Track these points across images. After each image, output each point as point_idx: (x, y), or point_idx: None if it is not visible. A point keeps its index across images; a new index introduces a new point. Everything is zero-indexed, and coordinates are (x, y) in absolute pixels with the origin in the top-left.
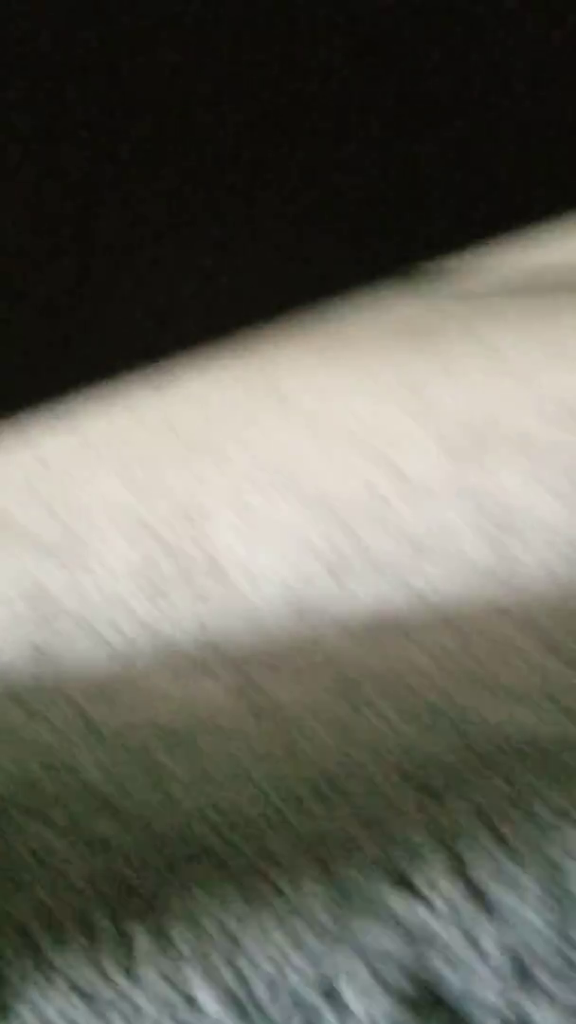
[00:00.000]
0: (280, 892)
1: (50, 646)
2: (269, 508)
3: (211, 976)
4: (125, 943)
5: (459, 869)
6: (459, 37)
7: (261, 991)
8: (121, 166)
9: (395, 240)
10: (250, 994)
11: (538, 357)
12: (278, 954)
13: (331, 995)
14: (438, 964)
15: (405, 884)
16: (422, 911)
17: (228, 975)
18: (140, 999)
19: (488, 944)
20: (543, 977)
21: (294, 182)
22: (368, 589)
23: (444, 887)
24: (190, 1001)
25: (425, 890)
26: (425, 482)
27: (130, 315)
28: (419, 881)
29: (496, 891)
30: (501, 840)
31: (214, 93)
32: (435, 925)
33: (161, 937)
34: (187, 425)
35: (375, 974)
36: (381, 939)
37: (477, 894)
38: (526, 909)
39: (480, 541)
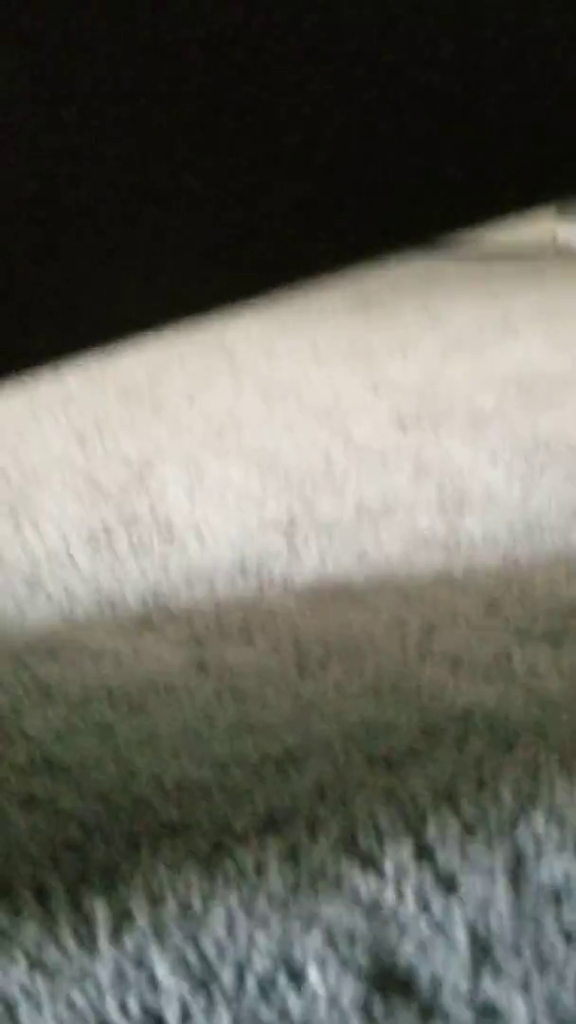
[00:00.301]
0: (242, 871)
1: None
2: (220, 471)
3: (173, 955)
4: (84, 918)
5: (423, 850)
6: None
7: (224, 970)
8: (87, 133)
9: (367, 222)
10: (212, 972)
11: (490, 333)
12: (242, 933)
13: (295, 975)
14: (403, 945)
15: (369, 864)
16: (386, 892)
17: (191, 954)
18: (102, 976)
19: (453, 928)
20: (507, 961)
21: (262, 164)
22: (318, 553)
23: (407, 867)
24: (152, 980)
25: (389, 871)
26: (377, 450)
27: (98, 288)
28: (383, 861)
29: (460, 873)
30: (463, 819)
31: (189, 59)
32: (399, 906)
33: (122, 913)
34: (139, 388)
35: (336, 950)
36: (343, 915)
37: (440, 876)
38: (491, 892)
39: (430, 510)
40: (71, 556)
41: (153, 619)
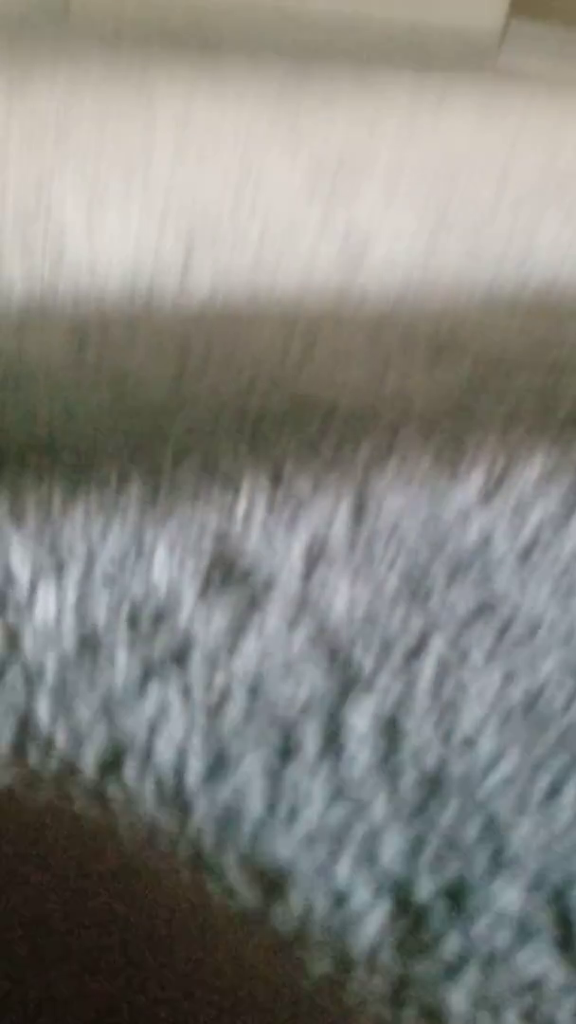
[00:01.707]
0: (105, 481)
1: None
2: (123, 204)
3: (27, 535)
4: None
5: (279, 477)
6: None
7: (78, 552)
8: None
9: None
10: (68, 552)
11: (421, 104)
12: (98, 525)
13: (143, 555)
14: (247, 539)
15: (228, 482)
16: (239, 501)
17: (47, 537)
18: None
19: (294, 529)
20: (339, 558)
21: None
22: (210, 284)
23: (262, 487)
24: (4, 555)
25: (245, 489)
26: (286, 196)
27: None
28: (240, 482)
29: (303, 487)
30: (321, 459)
31: None
32: (250, 511)
33: None
34: (52, 116)
35: (187, 540)
36: (199, 515)
37: (292, 494)
38: (333, 508)
39: (331, 253)
40: None
41: (42, 316)
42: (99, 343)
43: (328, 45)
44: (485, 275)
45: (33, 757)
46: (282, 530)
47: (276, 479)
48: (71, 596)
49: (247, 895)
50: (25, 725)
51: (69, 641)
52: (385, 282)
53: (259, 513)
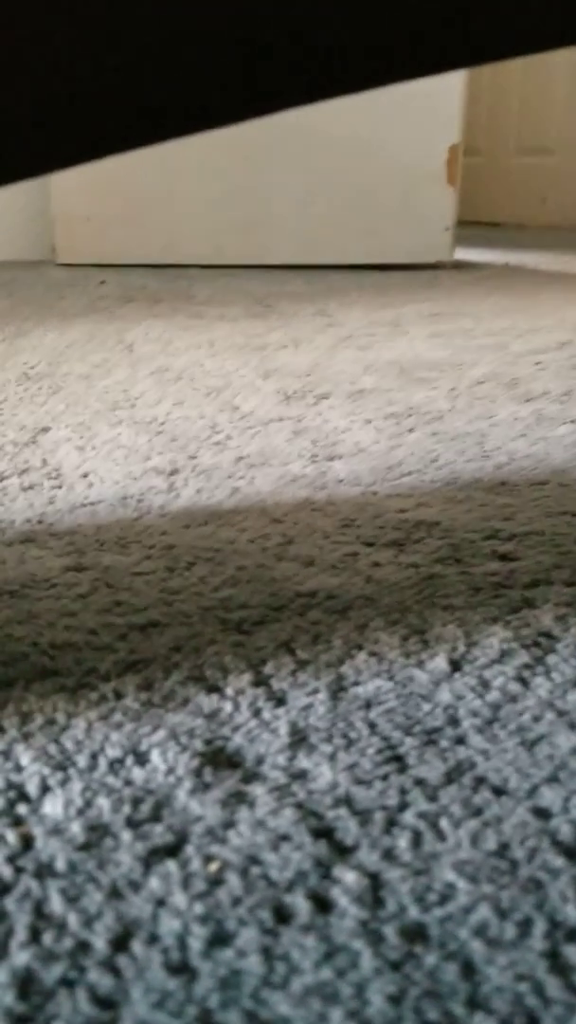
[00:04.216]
0: (104, 697)
1: None
2: (110, 432)
3: (36, 750)
4: None
5: (261, 679)
6: None
7: (80, 756)
8: None
9: None
10: (69, 759)
11: (380, 331)
12: (99, 735)
13: (140, 757)
14: (233, 736)
15: (213, 689)
16: (225, 705)
17: (52, 748)
18: None
19: (277, 723)
20: (319, 743)
21: None
22: (195, 490)
23: (245, 690)
24: (17, 767)
25: (229, 692)
26: (260, 418)
27: None
28: (225, 687)
29: (289, 692)
30: (298, 659)
31: None
32: (234, 713)
33: None
34: (39, 372)
35: (177, 742)
36: (185, 720)
37: (273, 694)
38: (311, 701)
39: (303, 459)
40: None
41: (37, 535)
42: (93, 556)
43: (291, 281)
44: (448, 454)
45: (47, 939)
46: (265, 724)
47: (257, 680)
48: (77, 798)
49: None
50: (39, 911)
51: (77, 833)
52: (354, 471)
53: (244, 711)
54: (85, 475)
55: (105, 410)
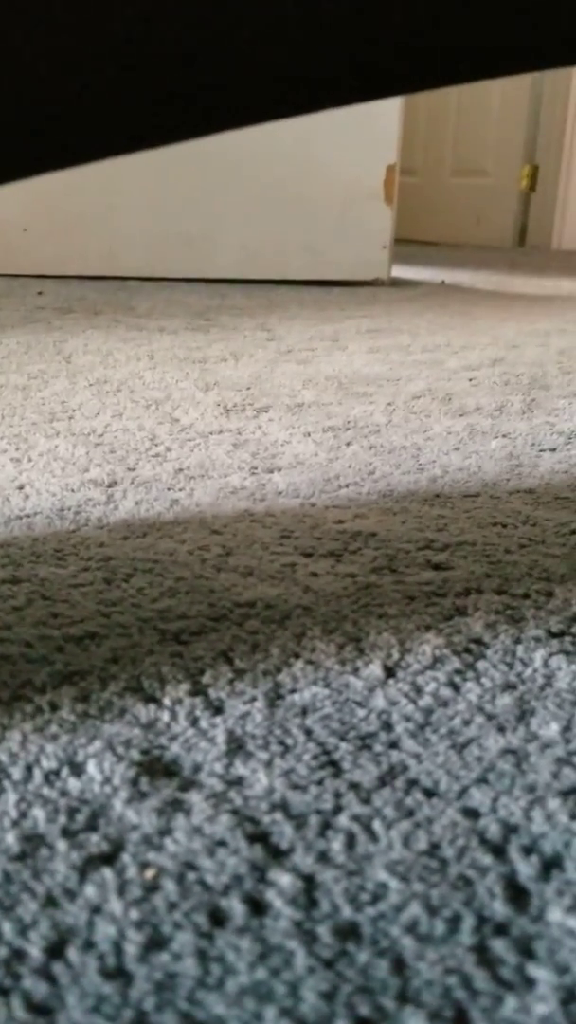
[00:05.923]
0: (40, 709)
1: None
2: (48, 443)
3: None
4: None
5: (199, 689)
6: None
7: (15, 771)
8: None
9: None
10: (5, 772)
11: (319, 348)
12: (34, 746)
13: (76, 768)
14: (171, 745)
15: (150, 699)
16: (162, 714)
17: None
18: None
19: (214, 732)
20: (256, 750)
21: None
22: (134, 502)
23: (183, 699)
24: None
25: (167, 702)
26: (200, 431)
27: None
28: (162, 697)
29: (227, 700)
30: (235, 668)
31: None
32: (172, 722)
33: None
34: None
35: (114, 751)
36: (123, 731)
37: (211, 703)
38: (249, 709)
39: (242, 472)
40: None
41: None
42: (29, 569)
43: (232, 295)
44: (385, 467)
45: None
46: (202, 733)
47: (195, 690)
48: (12, 810)
49: None
50: None
51: (12, 844)
52: (293, 483)
53: (181, 721)
54: (21, 487)
55: (42, 422)
